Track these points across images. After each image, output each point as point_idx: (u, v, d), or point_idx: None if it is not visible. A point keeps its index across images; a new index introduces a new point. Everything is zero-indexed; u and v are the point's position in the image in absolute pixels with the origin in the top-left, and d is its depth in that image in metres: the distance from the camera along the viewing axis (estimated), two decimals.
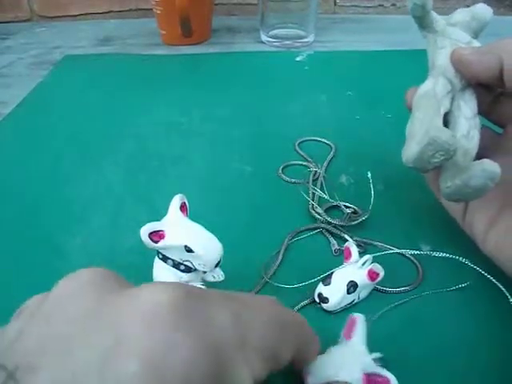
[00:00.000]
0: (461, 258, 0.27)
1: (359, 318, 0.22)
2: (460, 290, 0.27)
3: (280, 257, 0.29)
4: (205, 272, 0.23)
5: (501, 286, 0.25)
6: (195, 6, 0.56)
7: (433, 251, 0.28)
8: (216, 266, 0.23)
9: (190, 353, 0.14)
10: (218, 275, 0.24)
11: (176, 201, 0.23)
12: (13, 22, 0.73)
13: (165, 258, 0.23)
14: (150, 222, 0.23)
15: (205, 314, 0.15)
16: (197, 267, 0.23)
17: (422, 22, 0.27)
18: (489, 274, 0.26)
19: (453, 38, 0.26)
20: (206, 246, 0.22)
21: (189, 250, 0.22)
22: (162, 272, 0.24)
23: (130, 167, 0.39)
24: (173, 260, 0.23)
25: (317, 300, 0.26)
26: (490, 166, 0.23)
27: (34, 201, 0.35)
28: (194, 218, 0.24)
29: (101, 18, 0.74)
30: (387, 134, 0.41)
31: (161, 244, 0.22)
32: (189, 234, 0.22)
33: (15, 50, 0.63)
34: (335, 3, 0.74)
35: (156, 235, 0.22)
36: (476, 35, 0.27)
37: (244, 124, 0.44)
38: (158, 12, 0.61)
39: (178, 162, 0.39)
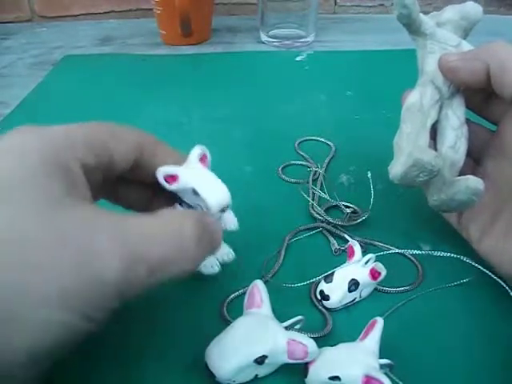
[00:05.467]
0: (461, 257, 0.27)
1: (378, 322, 0.22)
2: (461, 289, 0.27)
3: (280, 256, 0.29)
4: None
5: (502, 283, 0.25)
6: (195, 5, 0.56)
7: (433, 251, 0.28)
8: (222, 211, 0.23)
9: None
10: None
11: (196, 151, 0.24)
12: (13, 22, 0.73)
13: (180, 201, 0.24)
14: None
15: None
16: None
17: (410, 27, 0.27)
18: (489, 271, 0.26)
19: (442, 41, 0.26)
20: (211, 190, 0.23)
21: (195, 193, 0.23)
22: None
23: None
24: (187, 204, 0.24)
25: (318, 297, 0.26)
26: (474, 182, 0.25)
27: None
28: None
29: (101, 17, 0.74)
30: (387, 134, 0.40)
31: (173, 186, 0.23)
32: (196, 178, 0.23)
33: (16, 50, 0.63)
34: (336, 3, 0.74)
35: (170, 178, 0.23)
36: (466, 34, 0.28)
37: (244, 124, 0.44)
38: (158, 12, 0.61)
39: None
